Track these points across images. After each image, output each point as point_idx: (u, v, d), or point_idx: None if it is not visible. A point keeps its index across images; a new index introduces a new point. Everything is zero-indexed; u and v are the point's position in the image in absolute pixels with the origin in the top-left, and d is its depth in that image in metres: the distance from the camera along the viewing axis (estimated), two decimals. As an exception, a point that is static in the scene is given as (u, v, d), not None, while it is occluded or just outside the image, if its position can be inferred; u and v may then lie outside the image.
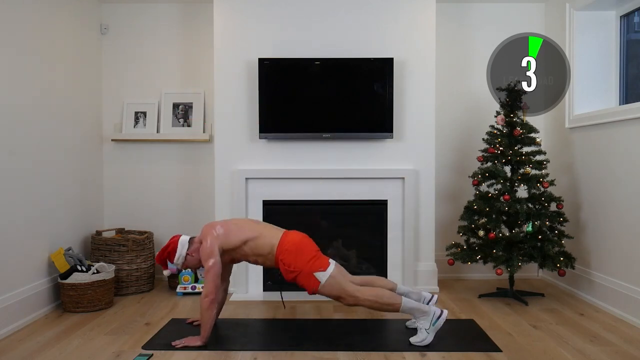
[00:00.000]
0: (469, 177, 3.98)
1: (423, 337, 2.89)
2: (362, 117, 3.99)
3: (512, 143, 3.80)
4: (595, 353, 2.78)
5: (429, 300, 3.10)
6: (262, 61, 3.94)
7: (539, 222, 3.62)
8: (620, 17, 3.91)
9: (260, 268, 4.00)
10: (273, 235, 3.00)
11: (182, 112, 4.47)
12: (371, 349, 2.84)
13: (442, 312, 2.91)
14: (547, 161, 3.79)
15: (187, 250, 3.04)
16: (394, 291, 3.06)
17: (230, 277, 4.02)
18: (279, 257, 2.94)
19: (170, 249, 3.04)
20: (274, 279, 4.01)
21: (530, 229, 3.59)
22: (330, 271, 2.90)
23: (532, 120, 4.09)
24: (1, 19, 3.12)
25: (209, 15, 4.35)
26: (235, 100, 4.04)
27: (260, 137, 3.99)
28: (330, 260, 2.98)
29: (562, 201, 3.75)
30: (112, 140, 4.44)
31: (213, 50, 4.09)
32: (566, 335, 3.06)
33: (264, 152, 4.04)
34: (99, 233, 4.12)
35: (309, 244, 2.99)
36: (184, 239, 3.05)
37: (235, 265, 4.01)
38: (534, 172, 3.76)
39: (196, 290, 3.96)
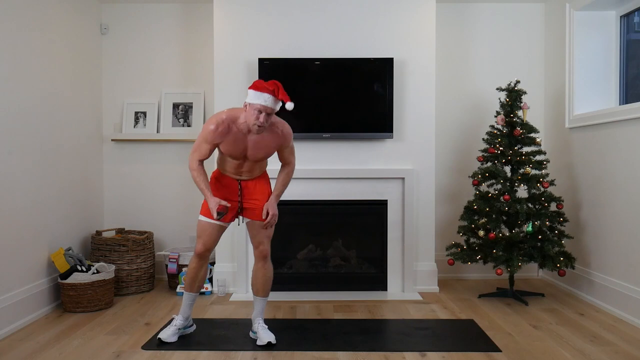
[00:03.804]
0: (469, 177, 3.98)
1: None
2: (362, 117, 3.99)
3: (512, 143, 3.80)
4: (595, 353, 2.78)
5: (186, 327, 3.09)
6: (262, 61, 3.94)
7: (539, 222, 3.61)
8: (620, 17, 3.91)
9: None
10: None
11: (182, 112, 4.46)
12: (371, 349, 2.84)
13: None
14: (547, 161, 3.79)
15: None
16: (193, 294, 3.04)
17: (230, 277, 4.05)
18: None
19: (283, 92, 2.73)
20: (273, 279, 4.00)
21: (530, 229, 3.59)
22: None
23: (532, 120, 4.10)
24: (1, 19, 3.12)
25: (209, 15, 4.35)
26: (235, 101, 4.02)
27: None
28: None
29: (562, 201, 3.75)
30: (112, 140, 4.44)
31: (213, 50, 4.09)
32: (566, 335, 3.06)
33: (264, 152, 4.04)
34: (99, 233, 4.12)
35: None
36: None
37: (235, 266, 4.02)
38: (534, 172, 3.76)
39: (196, 290, 3.96)
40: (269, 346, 2.87)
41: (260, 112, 2.67)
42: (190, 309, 3.04)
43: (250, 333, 3.05)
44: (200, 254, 2.96)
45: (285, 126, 2.88)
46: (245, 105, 2.73)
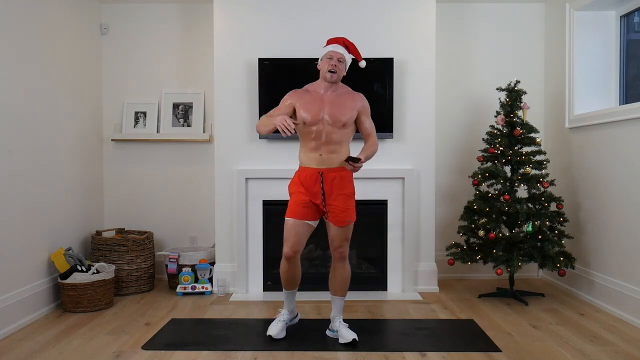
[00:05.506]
0: (469, 177, 3.98)
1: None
2: (362, 117, 3.99)
3: (512, 143, 3.80)
4: (595, 353, 2.78)
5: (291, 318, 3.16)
6: (262, 61, 3.94)
7: (539, 222, 3.62)
8: (620, 17, 3.91)
9: (259, 269, 4.01)
10: None
11: (182, 112, 4.46)
12: (371, 349, 2.84)
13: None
14: (547, 161, 3.79)
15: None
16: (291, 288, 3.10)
17: (230, 277, 4.05)
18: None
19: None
20: (273, 279, 4.01)
21: (530, 229, 3.59)
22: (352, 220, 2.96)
23: (532, 120, 4.10)
24: (1, 20, 3.12)
25: (209, 15, 4.35)
26: (235, 100, 4.04)
27: (260, 137, 3.99)
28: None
29: (562, 201, 3.75)
30: (112, 140, 4.44)
31: (213, 50, 4.09)
32: (566, 335, 3.06)
33: (264, 152, 4.04)
34: (99, 233, 4.12)
35: None
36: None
37: (235, 266, 4.02)
38: (534, 172, 3.76)
39: (196, 290, 3.96)
40: (353, 344, 2.87)
41: (330, 58, 2.86)
42: (292, 302, 3.12)
43: (328, 332, 3.05)
44: (288, 257, 2.91)
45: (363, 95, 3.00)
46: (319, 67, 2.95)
